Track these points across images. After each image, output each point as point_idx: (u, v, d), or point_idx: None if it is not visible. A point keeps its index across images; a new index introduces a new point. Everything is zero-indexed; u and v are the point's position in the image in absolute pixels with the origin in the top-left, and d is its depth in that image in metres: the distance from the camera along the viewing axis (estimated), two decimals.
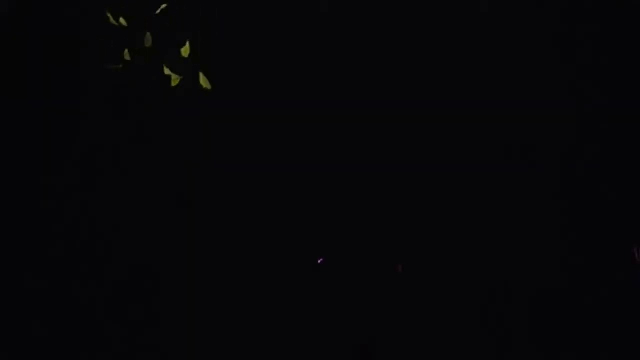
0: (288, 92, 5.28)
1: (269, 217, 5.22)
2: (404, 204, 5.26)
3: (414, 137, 5.30)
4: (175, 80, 4.71)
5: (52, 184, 5.05)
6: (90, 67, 5.11)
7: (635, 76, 5.22)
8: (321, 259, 5.18)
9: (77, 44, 5.09)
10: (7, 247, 5.00)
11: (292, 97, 5.28)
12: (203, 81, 5.06)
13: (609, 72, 5.22)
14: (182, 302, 5.08)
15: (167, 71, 4.85)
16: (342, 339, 5.12)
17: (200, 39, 5.16)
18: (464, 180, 5.26)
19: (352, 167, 5.28)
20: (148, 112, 5.13)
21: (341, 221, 5.25)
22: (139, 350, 5.00)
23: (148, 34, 4.73)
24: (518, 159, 5.23)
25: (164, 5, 4.73)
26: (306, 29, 5.27)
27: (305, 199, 5.26)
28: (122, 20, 5.02)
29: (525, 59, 5.26)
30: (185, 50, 4.76)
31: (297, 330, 5.13)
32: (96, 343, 4.96)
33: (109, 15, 5.01)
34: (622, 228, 5.14)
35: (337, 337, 5.13)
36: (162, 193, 5.15)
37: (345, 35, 5.28)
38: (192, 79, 5.15)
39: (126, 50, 4.83)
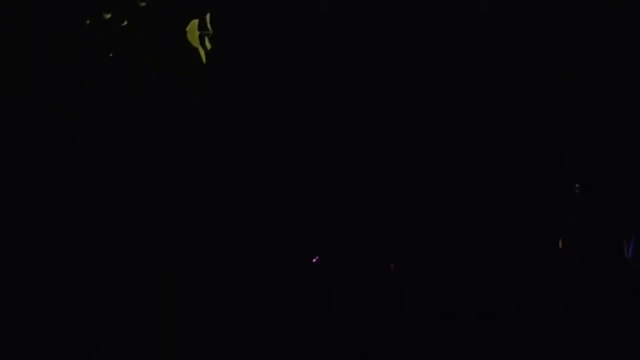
0: (287, 92, 5.29)
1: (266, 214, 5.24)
2: (396, 203, 5.27)
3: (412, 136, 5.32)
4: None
5: (53, 184, 5.06)
6: (90, 67, 5.12)
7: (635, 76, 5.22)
8: (316, 258, 5.19)
9: (77, 44, 5.09)
10: (8, 246, 5.02)
11: (291, 96, 5.29)
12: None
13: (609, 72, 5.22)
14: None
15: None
16: (338, 338, 5.14)
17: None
18: (461, 179, 5.27)
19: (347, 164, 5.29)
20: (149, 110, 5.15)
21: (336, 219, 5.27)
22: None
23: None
24: (517, 160, 5.24)
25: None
26: (306, 29, 5.28)
27: (303, 197, 5.27)
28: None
29: (525, 59, 5.26)
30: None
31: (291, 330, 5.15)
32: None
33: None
34: (614, 225, 5.14)
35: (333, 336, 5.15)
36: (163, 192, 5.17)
37: (345, 35, 5.28)
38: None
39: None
